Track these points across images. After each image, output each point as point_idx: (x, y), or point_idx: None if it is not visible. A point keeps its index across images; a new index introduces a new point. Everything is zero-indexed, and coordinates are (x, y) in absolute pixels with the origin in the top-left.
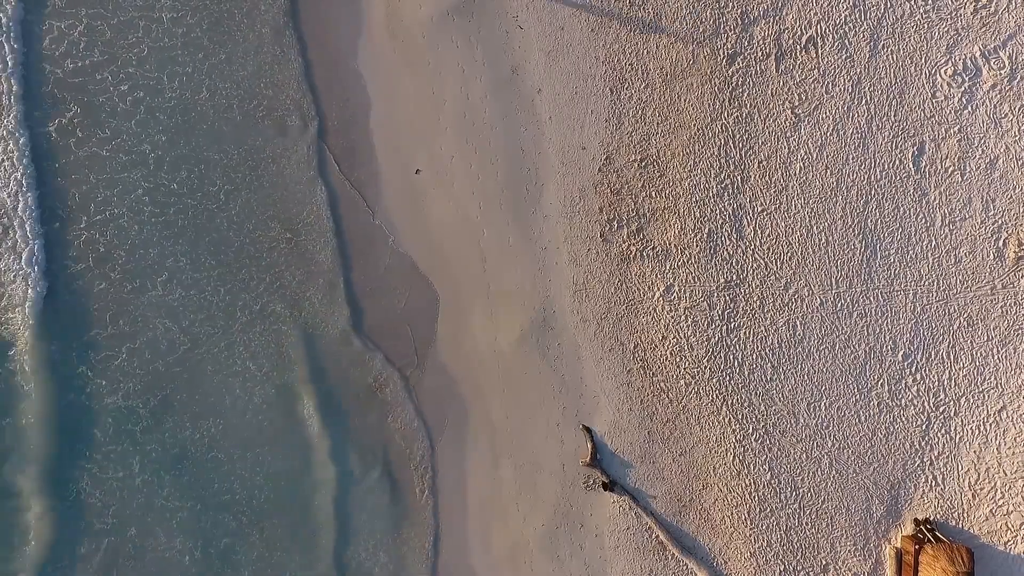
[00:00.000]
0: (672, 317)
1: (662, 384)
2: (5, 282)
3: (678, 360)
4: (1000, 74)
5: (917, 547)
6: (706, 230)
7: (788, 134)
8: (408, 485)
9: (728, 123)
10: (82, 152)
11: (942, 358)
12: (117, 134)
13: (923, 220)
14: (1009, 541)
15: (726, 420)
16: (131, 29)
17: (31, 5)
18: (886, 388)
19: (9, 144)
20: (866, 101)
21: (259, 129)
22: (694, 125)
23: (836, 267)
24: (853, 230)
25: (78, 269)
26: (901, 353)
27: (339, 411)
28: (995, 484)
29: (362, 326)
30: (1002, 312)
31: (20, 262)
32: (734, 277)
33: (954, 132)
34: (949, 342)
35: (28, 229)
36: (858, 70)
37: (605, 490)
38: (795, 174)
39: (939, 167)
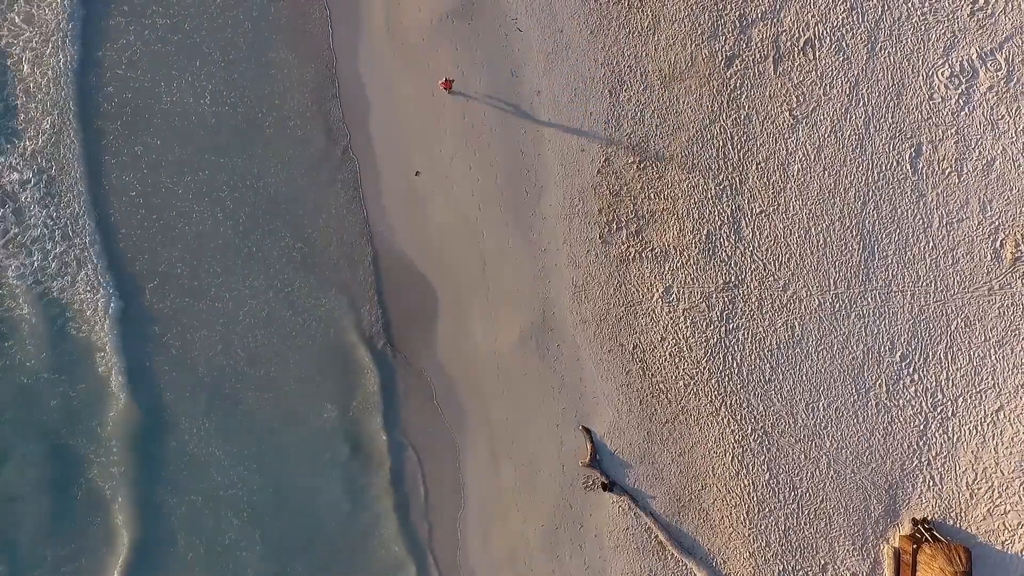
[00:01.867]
0: (671, 318)
1: (661, 385)
2: (85, 297)
3: (677, 361)
4: (997, 76)
5: (915, 547)
6: (705, 231)
7: (786, 136)
8: (410, 485)
9: (726, 125)
10: (136, 165)
11: (940, 359)
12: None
13: (920, 221)
14: (1007, 540)
15: (725, 421)
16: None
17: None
18: (884, 388)
19: (70, 171)
20: (864, 103)
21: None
22: (692, 127)
23: (834, 268)
24: (851, 231)
25: (144, 280)
26: (899, 354)
27: (344, 412)
28: (992, 484)
29: (370, 328)
30: (999, 313)
31: (94, 278)
32: (732, 278)
33: (951, 134)
34: (947, 343)
35: (93, 248)
36: (855, 72)
37: (604, 490)
38: (793, 175)
39: (936, 168)
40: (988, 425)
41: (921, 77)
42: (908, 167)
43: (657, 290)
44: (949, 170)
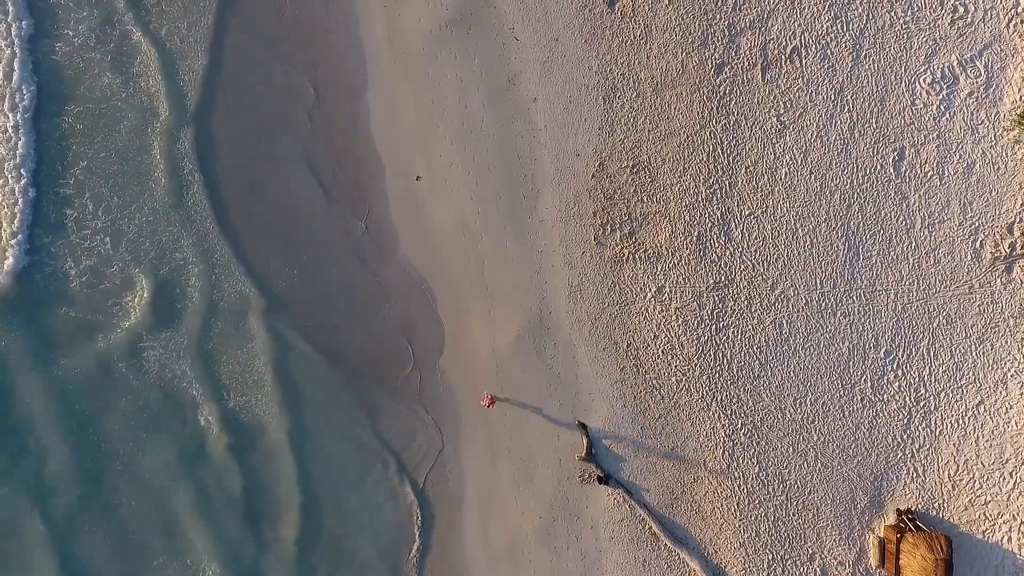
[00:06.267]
0: (663, 317)
1: (654, 381)
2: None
3: (669, 358)
4: (977, 82)
5: (899, 536)
6: (695, 233)
7: (774, 141)
8: (409, 482)
9: (716, 130)
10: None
11: (922, 355)
12: None
13: (903, 222)
14: (987, 530)
15: (716, 416)
16: None
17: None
18: (869, 384)
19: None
20: (848, 109)
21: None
22: (684, 132)
23: (820, 268)
24: (836, 232)
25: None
26: (883, 350)
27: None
28: (973, 475)
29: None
30: (979, 310)
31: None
32: (723, 278)
33: (933, 138)
34: (929, 339)
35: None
36: (840, 79)
37: (600, 483)
38: (781, 179)
39: (919, 172)
40: (969, 419)
41: (904, 83)
42: (891, 170)
43: (650, 290)
44: (931, 173)
